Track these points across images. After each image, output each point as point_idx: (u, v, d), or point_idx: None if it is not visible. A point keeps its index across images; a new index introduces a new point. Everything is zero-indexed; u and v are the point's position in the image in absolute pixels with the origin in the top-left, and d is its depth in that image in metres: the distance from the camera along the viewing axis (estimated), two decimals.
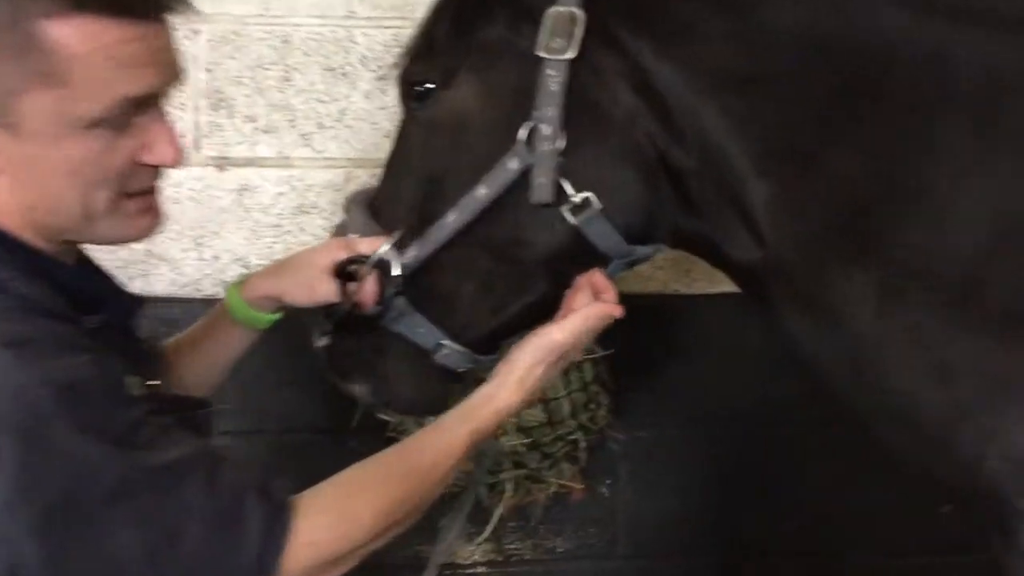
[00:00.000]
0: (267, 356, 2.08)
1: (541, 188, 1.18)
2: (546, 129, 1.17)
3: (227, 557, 1.01)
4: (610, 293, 1.27)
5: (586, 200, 1.18)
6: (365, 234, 1.32)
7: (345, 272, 1.31)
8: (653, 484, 2.30)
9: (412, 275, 1.28)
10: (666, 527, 2.30)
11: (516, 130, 1.18)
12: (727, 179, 1.16)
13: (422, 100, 1.29)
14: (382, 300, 1.28)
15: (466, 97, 1.26)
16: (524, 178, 1.19)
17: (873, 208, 1.11)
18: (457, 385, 1.39)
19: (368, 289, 1.28)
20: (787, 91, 1.14)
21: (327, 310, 1.34)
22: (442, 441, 1.19)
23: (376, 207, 1.36)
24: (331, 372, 1.41)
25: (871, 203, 1.11)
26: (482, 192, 1.20)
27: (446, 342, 1.29)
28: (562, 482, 2.09)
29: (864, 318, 1.12)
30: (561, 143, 1.18)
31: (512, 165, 1.19)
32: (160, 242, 2.18)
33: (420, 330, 1.31)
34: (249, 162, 2.18)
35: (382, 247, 1.28)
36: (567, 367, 1.87)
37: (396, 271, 1.26)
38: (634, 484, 2.30)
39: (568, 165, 1.18)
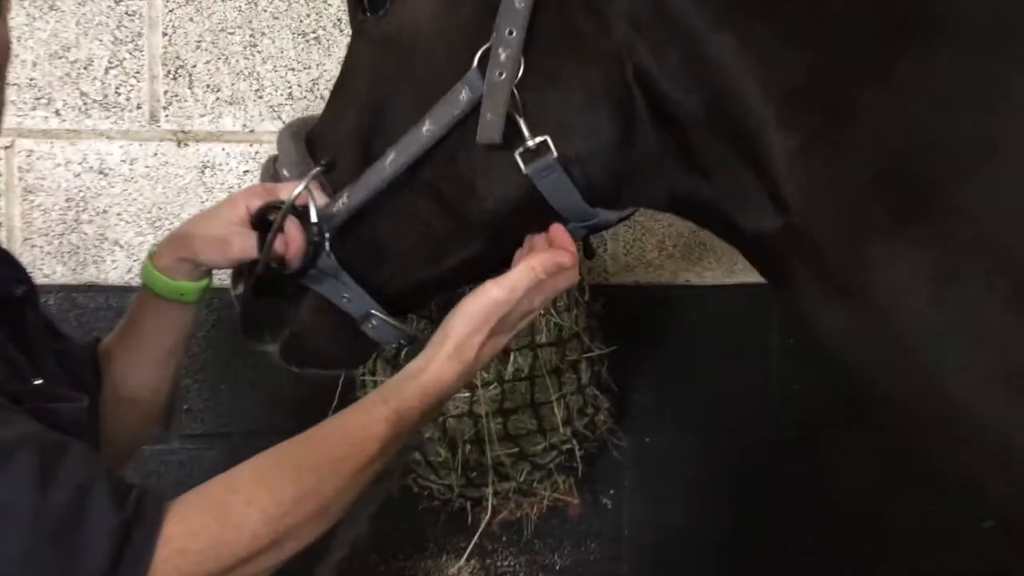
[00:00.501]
0: (232, 352, 1.99)
1: (488, 125, 0.98)
2: (503, 53, 0.97)
3: (64, 567, 0.81)
4: (567, 248, 1.06)
5: (542, 145, 0.98)
6: (297, 173, 1.13)
7: (266, 223, 1.12)
8: (660, 494, 2.16)
9: (343, 226, 1.09)
10: (675, 541, 2.15)
11: (473, 55, 0.99)
12: (740, 129, 0.94)
13: (373, 12, 1.09)
14: (306, 253, 1.09)
15: (421, 12, 1.06)
16: (475, 114, 0.99)
17: (928, 167, 0.87)
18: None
19: (288, 238, 1.08)
20: (824, 18, 0.92)
21: (250, 268, 1.14)
22: (355, 426, 0.99)
23: (314, 141, 1.16)
24: (241, 328, 1.22)
25: (926, 161, 0.88)
26: (427, 129, 1.01)
27: (376, 312, 1.11)
28: (556, 495, 1.87)
29: (914, 306, 0.89)
30: (519, 72, 0.98)
31: (462, 96, 1.00)
32: (114, 225, 2.02)
33: (346, 295, 1.11)
34: (211, 136, 2.01)
35: (300, 188, 1.07)
36: (559, 358, 1.78)
37: (319, 218, 1.08)
38: (639, 494, 2.15)
39: (527, 100, 0.98)
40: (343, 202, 1.07)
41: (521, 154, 0.99)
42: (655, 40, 0.96)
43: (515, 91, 0.98)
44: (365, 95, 1.10)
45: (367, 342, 1.16)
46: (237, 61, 2.00)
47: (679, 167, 1.02)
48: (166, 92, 1.98)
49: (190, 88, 1.99)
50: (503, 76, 0.97)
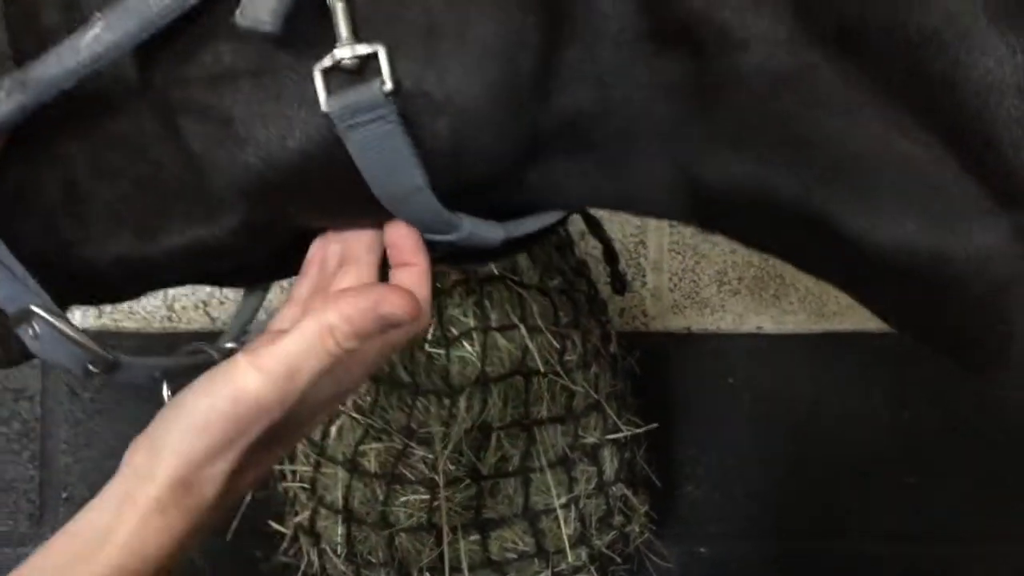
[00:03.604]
0: (132, 420, 1.58)
1: None
2: None
3: None
4: (416, 259, 0.63)
5: (368, 63, 0.53)
6: None
7: None
8: None
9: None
10: None
11: None
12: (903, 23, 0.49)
13: None
14: None
15: None
16: None
17: None
18: None
19: None
20: None
21: None
22: None
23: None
24: None
25: None
26: None
27: (41, 311, 0.65)
28: None
29: None
30: None
31: None
32: None
33: None
34: None
35: None
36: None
37: None
38: None
39: None
40: (3, 94, 0.59)
41: (327, 71, 0.53)
42: None
43: None
44: None
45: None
46: None
47: (702, 114, 0.54)
48: None
49: None
50: None
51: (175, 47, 0.55)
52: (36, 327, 0.63)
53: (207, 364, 0.65)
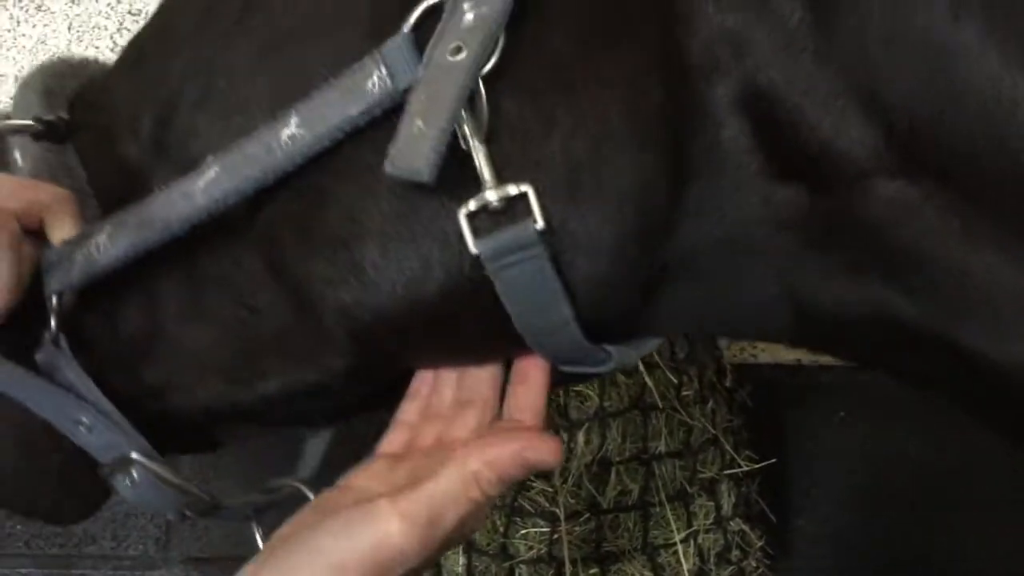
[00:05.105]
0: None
1: (413, 144, 0.50)
2: (470, 13, 0.51)
3: None
4: (539, 375, 0.60)
5: (517, 203, 0.52)
6: (31, 160, 0.63)
7: None
8: None
9: (90, 289, 0.60)
10: None
11: (402, 9, 0.53)
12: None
13: None
14: None
15: None
16: (388, 121, 0.52)
17: None
18: None
19: None
20: None
21: None
22: None
23: (87, 105, 0.66)
24: None
25: None
26: (290, 135, 0.53)
27: (141, 458, 0.61)
28: None
29: None
30: (496, 53, 0.52)
31: (372, 82, 0.53)
32: None
33: (84, 420, 0.60)
34: None
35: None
36: None
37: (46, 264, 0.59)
38: None
39: (503, 110, 0.52)
40: (100, 243, 0.58)
41: (471, 215, 0.52)
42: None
43: (482, 86, 0.51)
44: (188, 42, 0.62)
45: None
46: None
47: (816, 243, 0.53)
48: None
49: None
50: (462, 56, 0.50)
51: (291, 187, 0.54)
52: (135, 474, 0.60)
53: (298, 499, 0.62)
